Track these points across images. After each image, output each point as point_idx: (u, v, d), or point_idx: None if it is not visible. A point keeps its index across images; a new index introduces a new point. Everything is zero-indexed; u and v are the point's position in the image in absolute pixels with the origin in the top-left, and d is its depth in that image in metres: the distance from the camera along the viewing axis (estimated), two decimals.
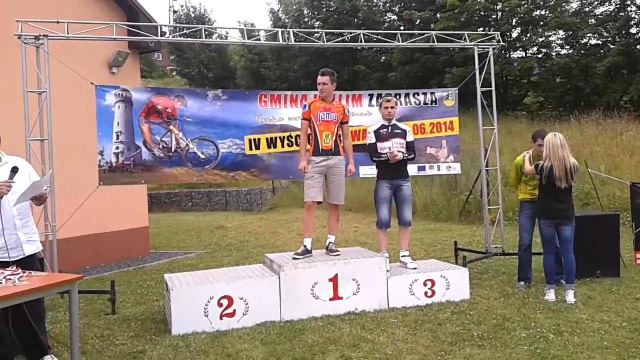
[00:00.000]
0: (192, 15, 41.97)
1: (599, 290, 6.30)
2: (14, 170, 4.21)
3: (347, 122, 6.23)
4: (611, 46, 21.70)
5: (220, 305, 5.34)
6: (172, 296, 5.24)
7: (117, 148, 6.85)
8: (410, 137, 6.47)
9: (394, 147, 6.27)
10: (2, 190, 4.13)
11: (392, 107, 6.40)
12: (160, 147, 6.98)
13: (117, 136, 6.83)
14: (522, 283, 6.60)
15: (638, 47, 21.34)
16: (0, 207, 4.20)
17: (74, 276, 3.79)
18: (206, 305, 5.29)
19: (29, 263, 4.28)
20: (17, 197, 4.23)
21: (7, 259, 4.14)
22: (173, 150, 7.02)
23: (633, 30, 22.03)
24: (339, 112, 6.07)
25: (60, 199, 6.77)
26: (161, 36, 7.59)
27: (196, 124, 7.10)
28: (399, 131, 6.41)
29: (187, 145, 7.05)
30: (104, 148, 6.80)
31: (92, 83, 6.79)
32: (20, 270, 3.78)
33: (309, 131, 6.08)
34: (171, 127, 7.00)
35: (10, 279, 3.61)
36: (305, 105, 6.14)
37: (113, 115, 6.84)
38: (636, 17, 22.10)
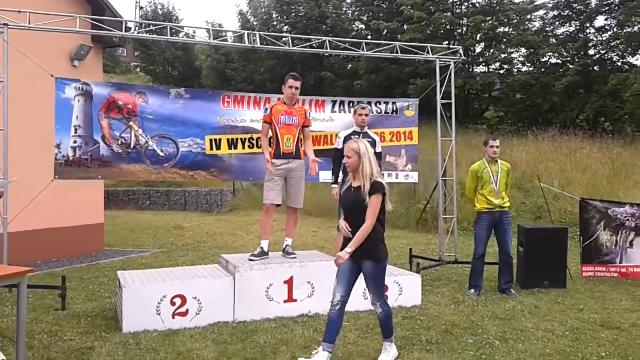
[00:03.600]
0: (160, 12, 41.46)
1: (546, 300, 6.51)
2: None
3: (308, 126, 6.28)
4: (570, 66, 22.40)
5: (173, 304, 5.32)
6: (124, 293, 5.20)
7: (75, 142, 6.75)
8: (379, 148, 6.59)
9: None
10: None
11: (365, 115, 6.54)
12: (119, 142, 6.91)
13: (76, 130, 6.74)
14: (473, 291, 6.77)
15: (595, 68, 22.08)
16: None
17: (24, 269, 3.74)
18: (159, 303, 5.27)
19: None
20: None
21: None
22: (132, 146, 6.96)
23: (591, 51, 22.79)
24: (300, 116, 6.13)
25: (13, 191, 6.62)
26: (126, 32, 7.52)
27: (157, 122, 7.05)
28: (370, 140, 6.47)
29: (146, 142, 7.00)
30: (61, 141, 6.69)
31: (52, 75, 6.68)
32: None
33: (270, 134, 6.11)
34: (131, 123, 6.94)
35: None
36: (266, 109, 6.18)
37: (72, 108, 6.75)
38: (594, 39, 22.89)
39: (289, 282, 5.77)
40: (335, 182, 6.48)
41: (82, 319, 5.67)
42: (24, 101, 7.90)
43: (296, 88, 6.09)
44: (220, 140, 7.30)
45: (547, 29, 24.44)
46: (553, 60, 24.16)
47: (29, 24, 6.67)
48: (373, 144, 6.48)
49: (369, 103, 8.06)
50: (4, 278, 3.74)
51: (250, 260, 5.90)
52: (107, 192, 17.73)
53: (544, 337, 5.12)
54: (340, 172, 6.51)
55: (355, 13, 31.52)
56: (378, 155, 6.48)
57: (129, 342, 4.83)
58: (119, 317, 5.43)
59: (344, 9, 31.44)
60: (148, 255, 10.31)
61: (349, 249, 4.29)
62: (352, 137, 6.44)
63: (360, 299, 6.04)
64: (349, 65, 29.53)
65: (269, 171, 6.00)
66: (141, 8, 42.84)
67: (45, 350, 4.64)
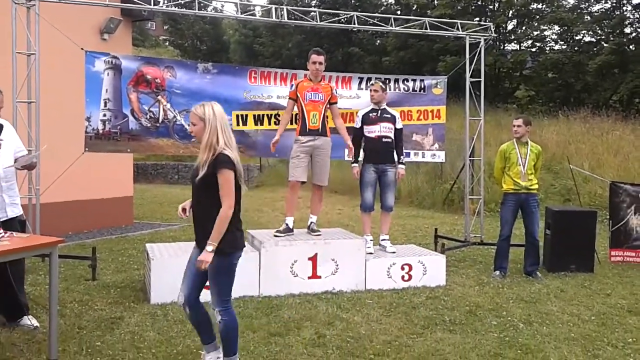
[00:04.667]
0: None
1: (572, 284, 6.45)
2: None
3: (335, 103, 6.26)
4: (604, 44, 21.83)
5: None
6: (153, 266, 5.29)
7: (105, 115, 6.82)
8: (399, 124, 6.55)
9: (381, 131, 6.36)
10: None
11: (374, 91, 6.47)
12: (148, 117, 6.96)
13: (105, 103, 6.80)
14: (498, 272, 6.73)
15: (631, 47, 21.46)
16: None
17: (55, 239, 3.82)
18: None
19: (10, 225, 4.31)
20: (4, 159, 4.27)
21: None
22: (160, 121, 7.01)
23: (627, 29, 22.16)
24: (326, 93, 6.10)
25: (45, 163, 6.75)
26: (154, 5, 7.53)
27: (185, 96, 7.07)
28: (389, 116, 6.48)
29: (174, 116, 7.04)
30: (91, 114, 6.77)
31: (82, 48, 6.73)
32: (1, 231, 3.81)
33: (296, 111, 6.11)
34: (159, 97, 6.98)
35: None
36: (292, 85, 6.18)
37: (102, 82, 6.80)
38: (631, 16, 22.21)
39: (313, 259, 5.81)
40: (356, 161, 6.46)
41: (111, 290, 5.80)
42: (54, 74, 8.01)
43: (320, 63, 6.05)
44: (246, 116, 7.31)
45: (582, 6, 23.81)
46: (587, 39, 23.58)
47: None
48: (393, 120, 6.46)
49: (397, 80, 7.99)
50: (36, 248, 3.84)
51: (276, 236, 5.94)
52: (136, 165, 17.96)
53: (570, 321, 5.08)
54: (361, 150, 6.50)
55: None
56: (398, 132, 6.49)
57: (156, 314, 4.94)
58: (147, 288, 5.54)
59: None
60: (176, 229, 10.46)
61: (209, 246, 3.44)
62: (370, 114, 6.43)
63: (383, 277, 6.07)
64: (378, 42, 29.21)
65: (294, 148, 6.01)
66: None
67: (76, 319, 4.77)
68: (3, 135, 4.37)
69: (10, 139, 4.50)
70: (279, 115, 7.35)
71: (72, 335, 4.40)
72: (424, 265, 6.24)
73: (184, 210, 3.78)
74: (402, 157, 6.59)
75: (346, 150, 7.14)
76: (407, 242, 8.69)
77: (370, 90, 6.53)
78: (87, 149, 6.80)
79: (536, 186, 6.84)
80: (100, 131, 6.81)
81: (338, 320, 4.89)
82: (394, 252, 6.40)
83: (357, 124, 6.52)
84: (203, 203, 3.57)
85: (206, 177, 3.44)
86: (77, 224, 9.76)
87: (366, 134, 6.42)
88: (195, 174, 3.52)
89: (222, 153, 3.45)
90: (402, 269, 6.16)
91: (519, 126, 6.79)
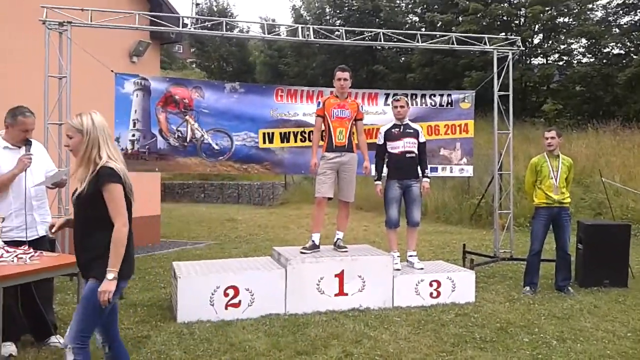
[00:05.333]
0: (215, 8, 42.13)
1: (606, 299, 6.28)
2: (28, 143, 4.35)
3: (361, 119, 6.26)
4: (634, 56, 21.45)
5: (226, 295, 5.40)
6: (180, 284, 5.31)
7: (134, 135, 6.93)
8: (422, 138, 6.53)
9: (405, 147, 6.34)
10: (25, 163, 4.26)
11: (401, 107, 6.45)
12: (176, 136, 7.05)
13: (134, 124, 6.91)
14: (528, 288, 6.59)
15: None
16: (20, 187, 4.33)
17: None
18: (212, 294, 5.35)
19: (40, 244, 4.38)
20: (36, 179, 4.36)
21: (24, 239, 4.24)
22: (188, 140, 7.09)
23: None
24: (352, 109, 6.11)
25: (74, 183, 6.85)
26: (182, 28, 7.66)
27: (212, 116, 7.16)
28: (411, 131, 6.45)
29: (202, 136, 7.12)
30: (120, 135, 6.88)
31: (112, 71, 6.87)
32: (32, 250, 3.87)
33: (323, 127, 6.12)
34: (187, 117, 7.07)
35: (21, 257, 3.70)
36: (319, 103, 6.20)
37: (131, 103, 6.92)
38: None
39: (340, 276, 5.77)
40: (379, 178, 6.44)
41: (138, 308, 5.83)
42: (85, 96, 8.13)
43: (345, 79, 6.07)
44: (273, 134, 7.36)
45: (609, 18, 23.46)
46: (616, 51, 23.17)
47: (91, 21, 6.89)
48: (416, 134, 6.43)
49: (424, 96, 7.97)
50: (65, 267, 3.88)
51: (302, 253, 5.92)
52: (163, 185, 18.19)
53: (604, 337, 4.93)
54: (385, 167, 6.47)
55: (409, 5, 31.06)
56: (422, 146, 6.46)
57: (183, 332, 4.94)
58: (174, 307, 5.56)
59: (398, 1, 31.07)
60: (202, 247, 10.53)
61: (110, 274, 2.98)
62: (393, 130, 6.41)
63: (411, 294, 6.00)
64: (402, 59, 29.21)
65: (321, 164, 6.01)
66: (197, 5, 43.65)
67: None
68: (35, 157, 4.47)
69: (41, 158, 4.60)
70: (304, 133, 7.39)
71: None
72: (452, 281, 6.15)
73: (51, 227, 3.40)
74: (426, 171, 6.54)
75: (372, 167, 7.11)
76: (434, 258, 8.59)
77: (397, 106, 6.46)
78: None
79: (568, 199, 6.71)
80: (129, 151, 6.91)
81: (365, 338, 4.83)
82: (422, 269, 6.32)
83: (380, 140, 6.50)
84: (84, 226, 3.12)
85: (88, 197, 3.03)
86: None
87: (390, 150, 6.40)
88: (76, 193, 3.10)
89: (105, 166, 3.07)
90: (431, 285, 6.08)
91: (552, 138, 6.67)
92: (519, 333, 5.04)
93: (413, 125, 6.57)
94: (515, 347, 4.67)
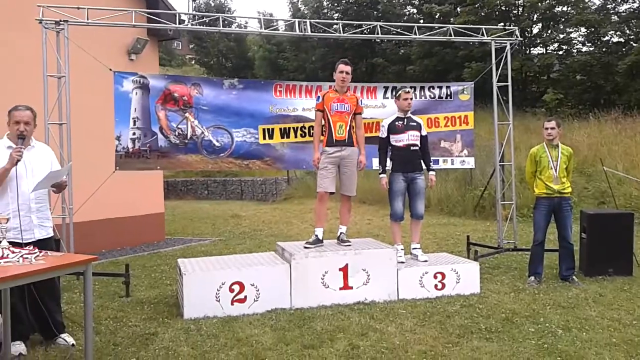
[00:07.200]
0: (212, 4, 42.09)
1: (611, 288, 6.27)
2: (21, 137, 4.32)
3: (360, 113, 6.25)
4: (633, 44, 21.40)
5: (231, 290, 5.41)
6: (185, 281, 5.32)
7: (134, 134, 6.93)
8: (424, 131, 6.53)
9: (409, 140, 6.33)
10: (14, 157, 4.23)
11: (411, 99, 6.45)
12: (176, 134, 7.05)
13: (134, 122, 6.91)
14: (533, 278, 6.59)
15: None
16: (18, 188, 4.32)
17: (89, 257, 3.87)
18: (218, 290, 5.36)
19: (46, 245, 4.38)
20: (36, 181, 4.34)
21: (20, 240, 4.22)
22: (189, 137, 7.09)
23: None
24: (352, 103, 6.10)
25: (77, 182, 6.87)
26: (180, 24, 7.65)
27: (212, 112, 7.16)
28: (414, 124, 6.45)
29: (202, 133, 7.12)
30: (121, 133, 6.88)
31: (110, 69, 6.87)
32: (37, 250, 3.87)
33: (323, 122, 6.12)
34: (187, 114, 7.07)
35: (27, 257, 3.70)
36: (318, 97, 6.18)
37: (130, 101, 6.92)
38: None
39: (344, 270, 5.77)
40: (383, 171, 6.43)
41: (145, 306, 5.84)
42: (84, 95, 8.16)
43: (347, 73, 6.06)
44: (272, 129, 7.35)
45: (608, 6, 23.41)
46: (615, 39, 23.13)
47: (88, 19, 6.88)
48: (419, 127, 6.43)
49: (422, 88, 7.96)
50: (71, 266, 3.88)
51: (306, 247, 5.93)
52: (166, 182, 18.20)
53: (610, 326, 4.93)
54: (388, 159, 6.46)
55: None
56: (424, 139, 6.46)
57: (190, 328, 4.95)
58: (180, 303, 5.57)
59: None
60: (207, 244, 10.54)
61: None
62: (397, 123, 6.40)
63: (416, 287, 6.00)
64: (401, 51, 29.16)
65: (322, 159, 6.01)
66: (194, 1, 43.57)
67: (111, 336, 4.81)
68: (36, 158, 4.47)
69: (45, 160, 4.58)
70: (304, 128, 7.39)
71: (108, 352, 4.44)
72: (457, 273, 6.15)
73: None
74: (430, 163, 6.55)
75: (374, 160, 7.11)
76: (438, 250, 8.60)
77: (407, 98, 6.40)
78: (117, 167, 6.90)
79: (569, 189, 6.70)
80: (130, 149, 6.91)
81: (371, 331, 4.84)
82: (426, 261, 6.32)
83: (383, 133, 6.48)
84: None
85: None
86: (110, 241, 9.91)
87: (393, 142, 6.39)
88: None
89: None
90: (435, 277, 6.08)
91: (552, 128, 6.64)
92: (525, 323, 5.04)
93: (415, 118, 6.57)
94: (521, 337, 4.68)
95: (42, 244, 4.30)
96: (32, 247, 3.97)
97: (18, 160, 4.26)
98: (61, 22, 6.75)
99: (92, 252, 5.36)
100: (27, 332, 4.49)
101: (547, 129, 6.67)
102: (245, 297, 5.45)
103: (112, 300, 6.13)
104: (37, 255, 3.77)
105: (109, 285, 6.80)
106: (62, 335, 4.58)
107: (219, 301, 5.36)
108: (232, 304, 5.40)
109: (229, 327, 4.96)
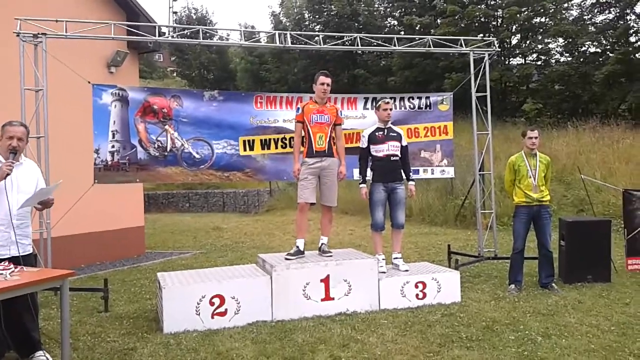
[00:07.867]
0: (194, 17, 42.04)
1: (590, 294, 6.34)
2: (14, 151, 4.30)
3: (340, 124, 6.28)
4: (610, 54, 21.75)
5: (212, 304, 5.37)
6: (165, 294, 5.27)
7: (113, 147, 6.88)
8: (404, 142, 6.57)
9: (389, 150, 6.37)
10: (4, 170, 4.19)
11: (390, 110, 6.50)
12: (156, 146, 7.02)
13: (113, 135, 6.87)
14: (513, 286, 6.64)
15: (637, 55, 21.37)
16: (0, 203, 4.26)
17: (65, 272, 3.83)
18: (198, 304, 5.32)
19: (25, 262, 4.31)
20: (20, 197, 4.30)
21: None
22: (168, 149, 7.06)
23: (632, 39, 22.07)
24: (332, 114, 6.12)
25: (55, 196, 6.75)
26: (160, 37, 7.63)
27: (192, 124, 7.14)
28: (395, 134, 6.49)
29: (182, 145, 7.09)
30: (99, 146, 6.83)
31: (88, 82, 6.82)
32: (12, 266, 3.82)
33: (303, 133, 6.13)
34: (167, 126, 7.04)
35: (1, 273, 3.65)
36: (298, 108, 6.19)
37: (109, 114, 6.88)
38: (635, 25, 22.17)
39: (326, 281, 5.76)
40: (364, 181, 6.44)
41: (124, 321, 5.78)
42: (62, 108, 8.11)
43: (327, 85, 6.09)
44: (253, 141, 7.35)
45: (585, 17, 23.79)
46: (592, 50, 23.50)
47: (66, 32, 6.84)
48: (399, 138, 6.49)
49: (402, 99, 8.02)
50: (47, 281, 3.84)
51: (287, 259, 5.91)
52: (147, 195, 18.07)
53: (589, 332, 4.98)
54: (369, 169, 6.49)
55: (388, 9, 31.26)
56: (405, 149, 6.50)
57: (170, 343, 4.90)
58: (159, 318, 5.51)
59: (376, 5, 31.24)
60: (188, 257, 10.46)
61: None
62: (377, 133, 6.44)
63: (397, 297, 6.01)
64: (382, 63, 29.32)
65: (302, 170, 6.01)
66: (175, 13, 43.55)
67: (89, 352, 4.75)
68: (23, 174, 4.44)
69: (31, 178, 4.55)
70: (285, 139, 7.40)
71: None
72: (438, 282, 6.18)
73: None
74: (410, 174, 6.58)
75: (355, 170, 7.13)
76: (420, 259, 8.63)
77: (385, 109, 6.44)
78: (96, 180, 6.85)
79: (548, 197, 6.77)
80: (109, 162, 6.86)
81: (353, 341, 4.83)
82: (407, 271, 6.33)
83: (364, 143, 6.51)
84: None
85: None
86: (89, 256, 9.80)
87: (374, 153, 6.42)
88: None
89: None
90: (416, 287, 6.10)
91: (536, 138, 6.71)
92: (505, 331, 5.07)
93: (396, 128, 6.61)
94: (502, 344, 4.70)
95: (22, 261, 4.22)
96: (7, 263, 3.91)
97: (8, 174, 4.23)
98: (39, 35, 6.70)
99: (71, 267, 5.30)
100: (2, 350, 4.41)
101: (531, 138, 6.72)
102: (226, 310, 5.41)
103: (91, 315, 6.05)
104: (12, 271, 3.72)
105: (87, 300, 6.72)
106: (38, 353, 4.49)
107: (199, 315, 5.32)
108: (212, 317, 5.36)
109: (209, 341, 4.92)
